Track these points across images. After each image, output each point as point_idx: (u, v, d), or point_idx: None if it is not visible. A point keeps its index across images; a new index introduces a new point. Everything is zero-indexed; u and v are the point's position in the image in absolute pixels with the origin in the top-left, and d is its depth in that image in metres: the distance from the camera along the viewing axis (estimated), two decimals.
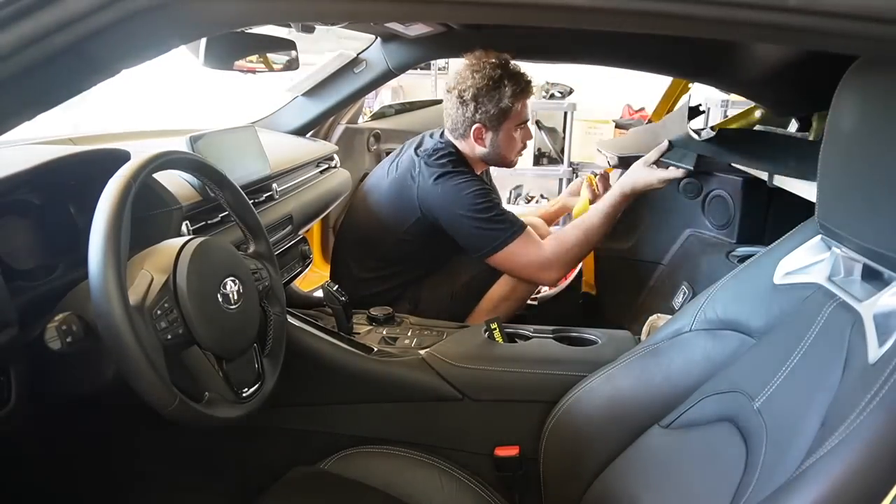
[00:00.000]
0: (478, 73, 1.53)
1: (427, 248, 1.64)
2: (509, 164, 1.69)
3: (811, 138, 1.42)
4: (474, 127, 1.58)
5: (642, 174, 1.58)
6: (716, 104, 3.80)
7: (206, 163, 0.91)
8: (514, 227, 1.53)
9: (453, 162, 1.58)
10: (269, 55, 1.52)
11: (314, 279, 2.11)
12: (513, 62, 1.56)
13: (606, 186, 1.82)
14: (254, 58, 1.48)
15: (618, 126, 4.11)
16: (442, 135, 1.68)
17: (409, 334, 1.35)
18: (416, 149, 1.66)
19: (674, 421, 0.92)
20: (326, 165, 1.81)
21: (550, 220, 2.07)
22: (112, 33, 0.56)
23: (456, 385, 1.17)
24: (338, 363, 1.19)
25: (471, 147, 1.63)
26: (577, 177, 3.98)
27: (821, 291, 0.78)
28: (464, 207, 1.51)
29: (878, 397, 0.58)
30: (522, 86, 1.56)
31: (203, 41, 1.30)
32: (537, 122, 4.18)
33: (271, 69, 1.54)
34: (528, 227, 1.56)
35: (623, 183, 1.59)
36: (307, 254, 1.65)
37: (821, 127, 1.36)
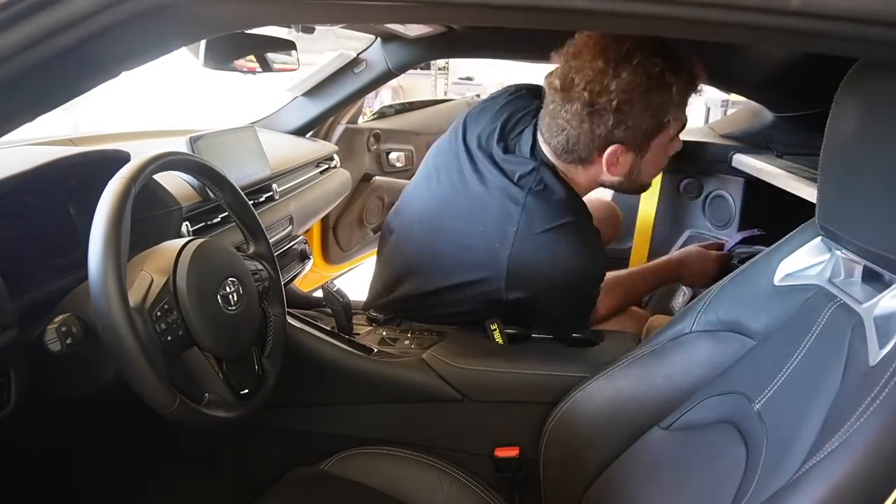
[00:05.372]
0: (624, 67, 1.00)
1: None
2: (643, 189, 1.26)
3: None
4: (611, 149, 1.09)
5: (704, 261, 1.41)
6: (716, 104, 3.81)
7: (206, 164, 0.91)
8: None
9: (563, 205, 1.12)
10: (268, 55, 1.52)
11: (314, 279, 2.11)
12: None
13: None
14: (253, 58, 1.48)
15: None
16: (533, 149, 1.17)
17: (408, 335, 1.35)
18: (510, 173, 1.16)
19: (674, 422, 0.92)
20: (326, 166, 1.81)
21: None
22: (114, 35, 0.56)
23: (456, 386, 1.17)
24: (338, 364, 1.19)
25: (590, 174, 1.16)
26: None
27: (821, 293, 0.78)
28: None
29: (878, 399, 0.58)
30: (691, 77, 1.06)
31: (203, 41, 1.30)
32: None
33: (270, 69, 1.54)
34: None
35: (680, 258, 1.43)
36: (307, 254, 1.65)
37: None
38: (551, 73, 1.11)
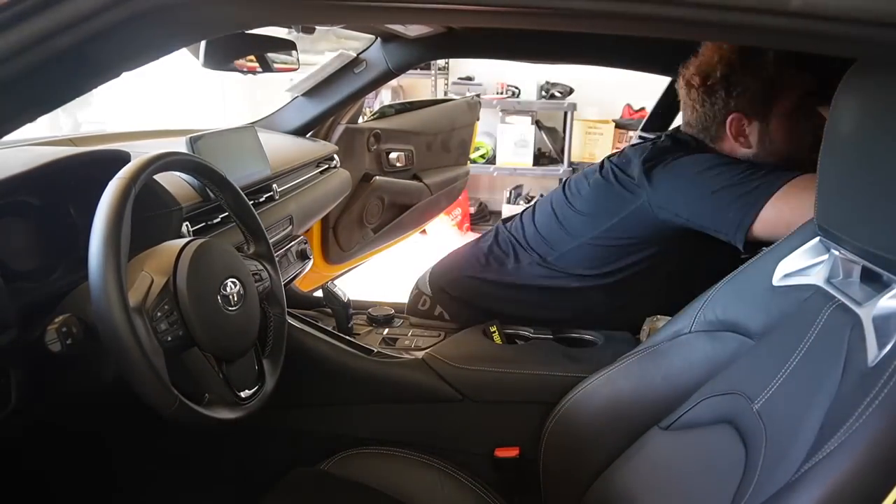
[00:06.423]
0: (724, 48, 1.13)
1: None
2: (803, 163, 1.09)
3: None
4: (731, 117, 1.15)
5: None
6: None
7: (207, 164, 0.91)
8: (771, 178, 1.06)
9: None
10: (268, 55, 1.52)
11: (314, 279, 2.11)
12: None
13: None
14: (253, 58, 1.48)
15: (618, 126, 4.11)
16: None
17: (408, 335, 1.35)
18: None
19: (673, 422, 0.92)
20: (326, 165, 1.80)
21: None
22: (115, 35, 0.56)
23: (456, 386, 1.17)
24: (338, 364, 1.19)
25: (725, 150, 1.19)
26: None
27: (820, 293, 0.78)
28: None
29: (877, 400, 0.58)
30: None
31: (203, 41, 1.30)
32: (537, 123, 4.18)
33: (270, 69, 1.54)
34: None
35: None
36: (307, 254, 1.65)
37: None
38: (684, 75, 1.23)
